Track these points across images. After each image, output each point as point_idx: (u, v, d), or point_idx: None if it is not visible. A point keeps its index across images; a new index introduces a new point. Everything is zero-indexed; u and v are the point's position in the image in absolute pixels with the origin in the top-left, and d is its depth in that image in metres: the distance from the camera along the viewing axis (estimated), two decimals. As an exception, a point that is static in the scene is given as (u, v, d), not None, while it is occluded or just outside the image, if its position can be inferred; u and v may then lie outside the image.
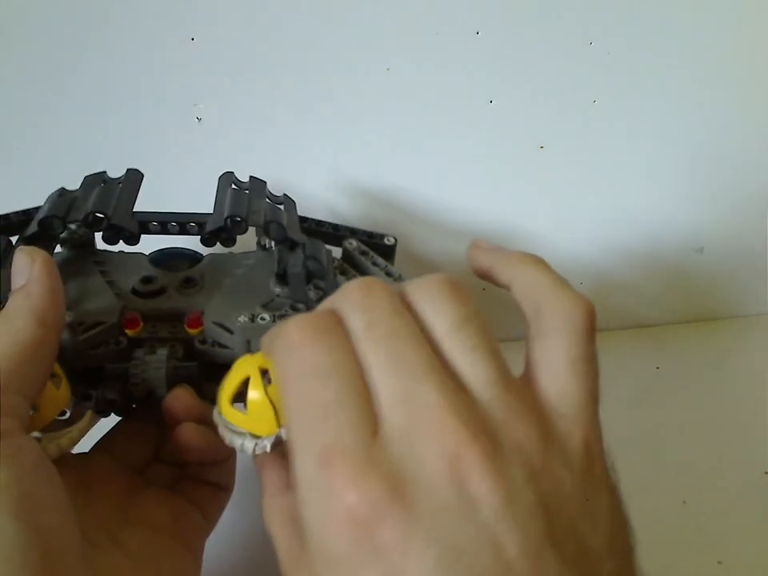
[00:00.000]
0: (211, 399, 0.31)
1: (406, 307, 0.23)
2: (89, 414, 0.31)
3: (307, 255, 0.32)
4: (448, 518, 0.19)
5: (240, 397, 0.26)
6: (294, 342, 0.22)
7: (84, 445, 0.32)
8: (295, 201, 0.37)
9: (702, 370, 0.55)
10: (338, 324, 0.23)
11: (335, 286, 0.30)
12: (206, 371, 0.31)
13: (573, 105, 0.47)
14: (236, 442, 0.26)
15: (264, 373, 0.26)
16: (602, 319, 0.63)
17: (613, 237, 0.54)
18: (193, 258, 0.36)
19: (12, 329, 0.26)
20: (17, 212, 0.35)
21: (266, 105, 0.44)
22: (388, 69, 0.44)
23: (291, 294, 0.32)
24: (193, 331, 0.31)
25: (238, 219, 0.31)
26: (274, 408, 0.25)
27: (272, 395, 0.25)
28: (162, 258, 0.35)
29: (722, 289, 0.58)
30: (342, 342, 0.22)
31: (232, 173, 0.35)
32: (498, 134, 0.47)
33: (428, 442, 0.20)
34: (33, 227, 0.31)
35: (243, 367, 0.27)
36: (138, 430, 0.34)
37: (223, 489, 0.34)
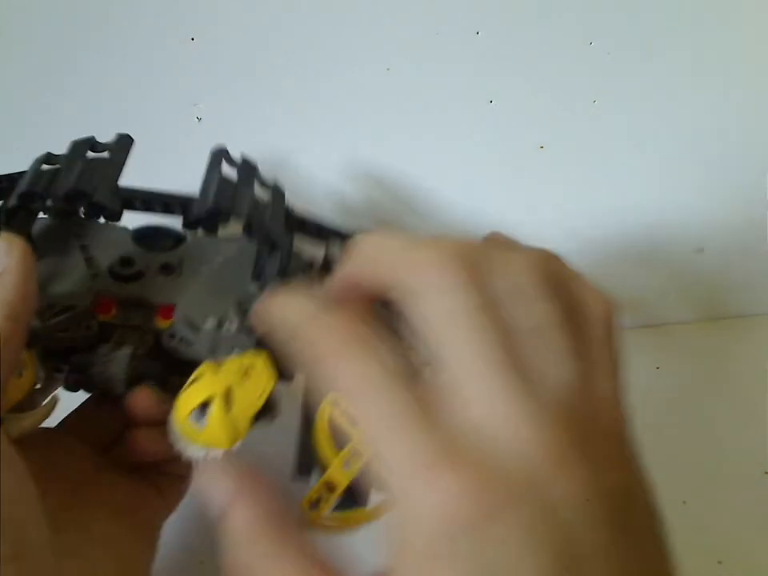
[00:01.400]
0: (174, 393, 0.32)
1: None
2: (53, 397, 0.31)
3: (284, 259, 0.31)
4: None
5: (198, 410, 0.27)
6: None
7: (51, 420, 0.32)
8: (284, 192, 0.36)
9: (702, 370, 0.55)
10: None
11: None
12: (171, 364, 0.31)
13: (573, 105, 0.47)
14: (187, 450, 0.27)
15: (227, 394, 0.27)
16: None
17: (613, 237, 0.54)
18: (176, 237, 0.35)
19: None
20: None
21: (265, 105, 0.44)
22: (388, 69, 0.44)
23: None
24: (163, 323, 0.31)
25: (220, 212, 0.30)
26: (231, 433, 0.26)
27: (233, 418, 0.26)
28: (146, 234, 0.35)
29: (722, 289, 0.58)
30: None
31: (225, 149, 0.34)
32: (498, 134, 0.47)
33: None
34: (13, 200, 0.30)
35: (207, 386, 0.27)
36: (104, 410, 0.34)
37: (182, 478, 0.35)
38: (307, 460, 0.30)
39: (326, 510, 0.27)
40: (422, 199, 0.49)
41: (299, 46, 0.42)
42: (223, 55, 0.42)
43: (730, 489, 0.45)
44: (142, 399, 0.30)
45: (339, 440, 0.27)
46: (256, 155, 0.45)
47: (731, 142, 0.51)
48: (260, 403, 0.27)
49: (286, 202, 0.35)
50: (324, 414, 0.27)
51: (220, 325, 0.30)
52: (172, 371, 0.32)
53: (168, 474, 0.34)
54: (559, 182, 0.50)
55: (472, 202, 0.50)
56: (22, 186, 0.30)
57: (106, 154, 0.32)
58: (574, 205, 0.52)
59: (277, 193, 0.35)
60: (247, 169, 0.34)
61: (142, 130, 0.44)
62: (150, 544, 0.33)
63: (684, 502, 0.44)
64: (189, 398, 0.27)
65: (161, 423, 0.30)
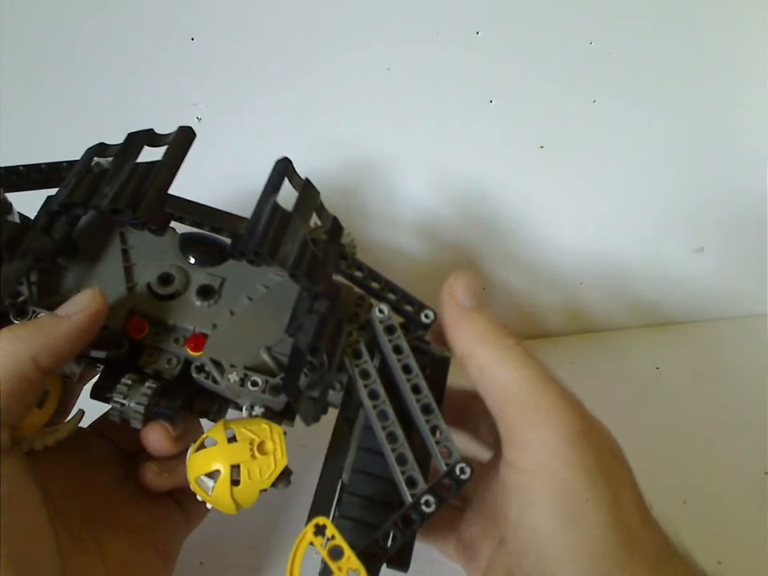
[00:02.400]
0: (201, 413, 0.32)
1: None
2: (79, 413, 0.31)
3: (321, 321, 0.28)
4: None
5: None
6: None
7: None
8: (342, 230, 0.32)
9: (702, 370, 0.55)
10: None
11: (333, 371, 0.29)
12: (198, 389, 0.31)
13: (573, 105, 0.47)
14: (198, 497, 0.28)
15: (234, 468, 0.27)
16: (602, 319, 0.63)
17: (613, 237, 0.54)
18: (223, 250, 0.33)
19: (12, 358, 0.26)
20: (33, 165, 0.32)
21: (265, 105, 0.44)
22: (388, 69, 0.44)
23: (286, 372, 0.30)
24: (193, 353, 0.30)
25: (263, 257, 0.27)
26: (236, 503, 0.27)
27: (236, 494, 0.27)
28: (193, 241, 0.33)
29: (722, 289, 0.58)
30: None
31: (289, 162, 0.31)
32: (498, 134, 0.47)
33: None
34: (54, 206, 0.30)
35: (217, 457, 0.28)
36: None
37: None
38: (327, 498, 0.30)
39: None
40: (420, 199, 0.49)
41: (299, 46, 0.42)
42: (223, 55, 0.42)
43: (730, 489, 0.45)
44: (156, 437, 0.30)
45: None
46: (255, 156, 0.45)
47: (732, 141, 0.51)
48: (268, 484, 0.28)
49: (346, 237, 0.33)
50: (304, 540, 0.26)
51: (243, 381, 0.29)
52: (198, 395, 0.31)
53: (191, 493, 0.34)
54: (559, 182, 0.50)
55: (471, 201, 0.50)
56: (64, 191, 0.29)
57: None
58: (573, 204, 0.52)
59: (335, 231, 0.32)
60: (307, 196, 0.31)
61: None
62: (167, 566, 0.33)
63: (684, 502, 0.44)
64: (199, 462, 0.28)
65: (174, 457, 0.31)
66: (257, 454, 0.28)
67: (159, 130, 0.43)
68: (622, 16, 0.44)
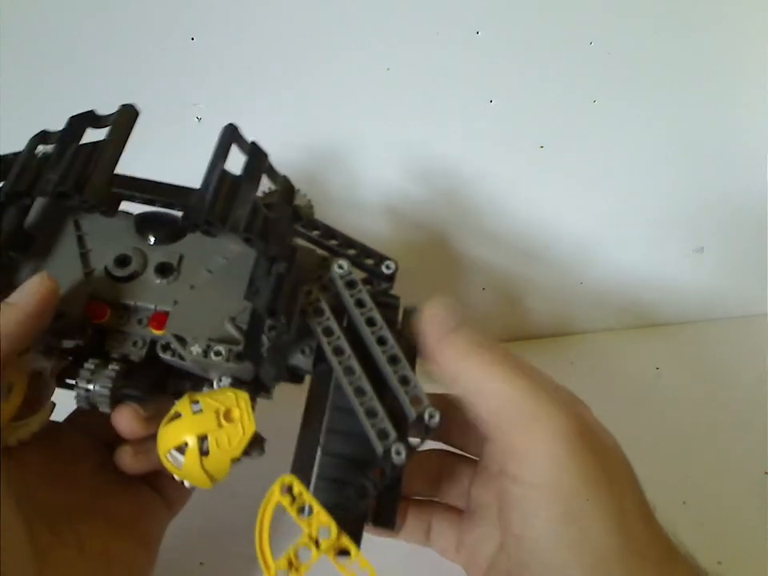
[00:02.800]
0: (175, 394, 0.31)
1: None
2: (49, 405, 0.31)
3: (280, 280, 0.28)
4: None
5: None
6: None
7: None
8: (294, 190, 0.32)
9: (702, 370, 0.55)
10: None
11: (292, 331, 0.28)
12: (167, 368, 0.31)
13: (573, 105, 0.47)
14: (173, 475, 0.28)
15: (202, 439, 0.27)
16: (602, 319, 0.63)
17: (612, 237, 0.54)
18: (179, 227, 0.33)
19: None
20: None
21: (265, 105, 0.44)
22: (388, 69, 0.44)
23: (245, 337, 0.29)
24: (156, 332, 0.30)
25: (215, 224, 0.27)
26: (208, 475, 0.27)
27: (207, 464, 0.26)
28: (148, 221, 0.33)
29: (722, 289, 0.58)
30: None
31: (235, 128, 0.30)
32: (498, 134, 0.47)
33: None
34: (1, 196, 0.29)
35: (183, 428, 0.27)
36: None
37: None
38: (306, 461, 0.29)
39: None
40: (419, 200, 0.49)
41: (299, 46, 0.42)
42: (223, 55, 0.42)
43: (729, 489, 0.45)
44: (126, 420, 0.30)
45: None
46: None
47: (732, 141, 0.51)
48: (237, 452, 0.27)
49: (297, 202, 0.32)
50: (271, 499, 0.26)
51: (206, 353, 0.29)
52: (169, 375, 0.31)
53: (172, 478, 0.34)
54: (559, 182, 0.50)
55: (471, 201, 0.50)
56: (9, 181, 0.29)
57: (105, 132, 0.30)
58: (573, 204, 0.52)
59: (287, 188, 0.32)
60: (256, 159, 0.30)
61: (142, 130, 0.44)
62: (149, 554, 0.33)
63: (684, 502, 0.44)
64: (167, 436, 0.28)
65: (149, 438, 0.30)
66: (223, 422, 0.27)
67: (159, 130, 0.43)
68: (622, 16, 0.44)
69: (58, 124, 0.43)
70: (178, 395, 0.31)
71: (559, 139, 0.48)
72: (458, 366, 0.28)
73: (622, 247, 0.54)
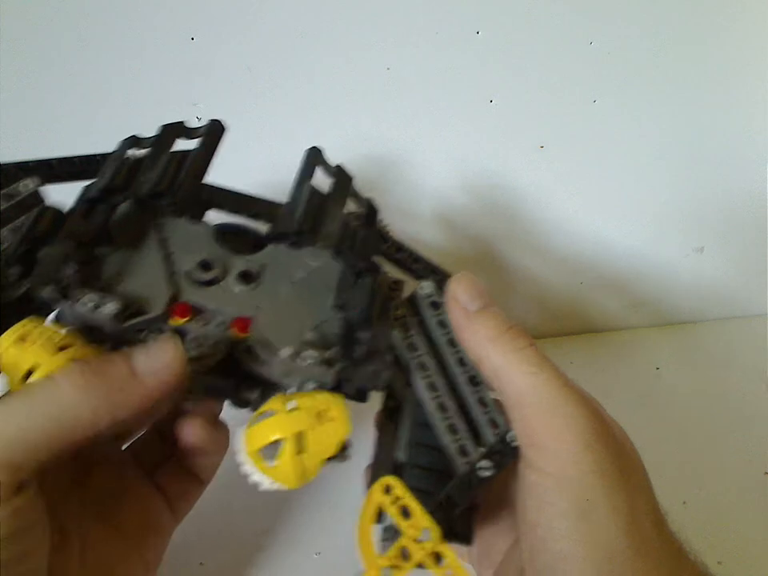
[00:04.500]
0: (242, 401, 0.31)
1: None
2: None
3: (372, 292, 0.29)
4: None
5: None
6: None
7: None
8: (378, 211, 0.33)
9: (702, 370, 0.55)
10: None
11: (384, 341, 0.29)
12: (241, 375, 0.31)
13: (573, 105, 0.47)
14: (252, 476, 0.27)
15: (299, 437, 0.26)
16: (602, 319, 0.63)
17: (612, 237, 0.54)
18: (260, 238, 0.33)
19: (51, 413, 0.24)
20: (65, 158, 0.32)
21: (265, 105, 0.44)
22: (388, 68, 0.44)
23: (340, 344, 0.30)
24: (238, 335, 0.30)
25: (306, 235, 0.28)
26: (301, 474, 0.26)
27: (302, 463, 0.26)
28: (227, 232, 0.33)
29: (722, 289, 0.58)
30: None
31: (320, 151, 0.32)
32: (498, 134, 0.47)
33: None
34: (94, 192, 0.30)
35: (280, 425, 0.27)
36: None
37: (202, 482, 0.35)
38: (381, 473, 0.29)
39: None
40: (419, 199, 0.49)
41: (299, 46, 0.42)
42: (223, 55, 0.42)
43: (730, 489, 0.45)
44: (194, 431, 0.31)
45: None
46: (256, 155, 0.45)
47: (732, 141, 0.51)
48: (333, 451, 0.27)
49: (379, 222, 0.33)
50: (372, 499, 0.26)
51: (296, 355, 0.29)
52: (242, 381, 0.31)
53: (189, 475, 0.34)
54: (559, 182, 0.50)
55: (471, 201, 0.50)
56: (104, 179, 0.30)
57: (195, 143, 0.31)
58: (573, 204, 0.52)
59: (371, 213, 0.33)
60: (341, 180, 0.32)
61: (142, 130, 0.44)
62: (150, 571, 0.33)
63: (684, 502, 0.44)
64: (261, 432, 0.27)
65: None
66: (321, 421, 0.27)
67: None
68: (622, 16, 0.44)
69: (58, 123, 0.43)
70: (244, 403, 0.32)
71: (559, 139, 0.48)
72: (486, 348, 0.29)
73: (622, 247, 0.54)
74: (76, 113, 0.43)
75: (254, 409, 0.31)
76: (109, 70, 0.42)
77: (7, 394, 0.26)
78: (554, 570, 0.26)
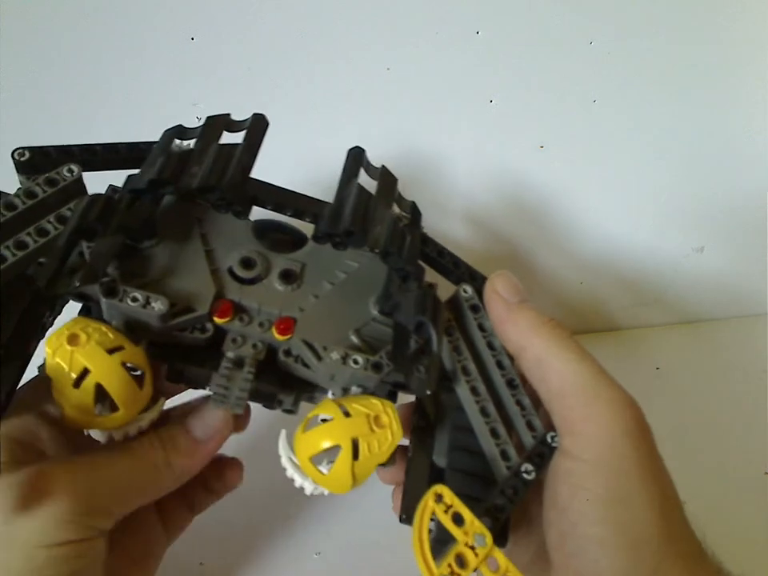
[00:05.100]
0: (276, 404, 0.31)
1: None
2: (161, 401, 0.30)
3: (419, 295, 0.29)
4: None
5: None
6: None
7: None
8: (421, 215, 0.33)
9: (702, 370, 0.55)
10: None
11: (441, 344, 0.29)
12: (279, 377, 0.30)
13: (573, 105, 0.47)
14: (298, 480, 0.28)
15: (354, 442, 0.27)
16: (602, 319, 0.63)
17: (612, 237, 0.54)
18: (298, 237, 0.33)
19: (147, 479, 0.28)
20: (110, 145, 0.32)
21: (265, 105, 0.44)
22: (388, 68, 0.44)
23: (393, 349, 0.29)
24: (280, 337, 0.29)
25: (355, 235, 0.28)
26: (354, 479, 0.27)
27: (356, 469, 0.27)
28: (266, 229, 0.32)
29: (722, 289, 0.58)
30: None
31: (363, 151, 0.31)
32: (498, 134, 0.47)
33: None
34: (141, 184, 0.29)
35: (336, 432, 0.27)
36: None
37: (195, 513, 0.35)
38: (411, 504, 0.29)
39: None
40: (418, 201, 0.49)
41: (299, 46, 0.42)
42: (223, 55, 0.42)
43: (730, 489, 0.45)
44: (240, 475, 0.33)
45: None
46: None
47: (732, 141, 0.51)
48: (385, 457, 0.27)
49: (422, 226, 0.33)
50: (426, 509, 0.26)
51: (345, 359, 0.28)
52: (283, 385, 0.31)
53: (184, 512, 0.34)
54: (559, 182, 0.51)
55: (471, 201, 0.50)
56: (152, 170, 0.28)
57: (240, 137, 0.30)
58: (573, 204, 0.52)
59: (416, 216, 0.32)
60: (387, 181, 0.31)
61: (142, 130, 0.44)
62: None
63: (684, 503, 0.44)
64: (314, 439, 0.27)
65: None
66: (374, 427, 0.27)
67: (159, 130, 0.43)
68: (622, 16, 0.44)
69: (58, 123, 0.43)
70: (279, 405, 0.31)
71: (559, 139, 0.48)
72: (529, 338, 0.29)
73: (622, 247, 0.54)
74: (76, 113, 0.43)
75: (285, 410, 0.31)
76: (109, 70, 0.42)
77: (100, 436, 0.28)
78: (585, 553, 0.26)
